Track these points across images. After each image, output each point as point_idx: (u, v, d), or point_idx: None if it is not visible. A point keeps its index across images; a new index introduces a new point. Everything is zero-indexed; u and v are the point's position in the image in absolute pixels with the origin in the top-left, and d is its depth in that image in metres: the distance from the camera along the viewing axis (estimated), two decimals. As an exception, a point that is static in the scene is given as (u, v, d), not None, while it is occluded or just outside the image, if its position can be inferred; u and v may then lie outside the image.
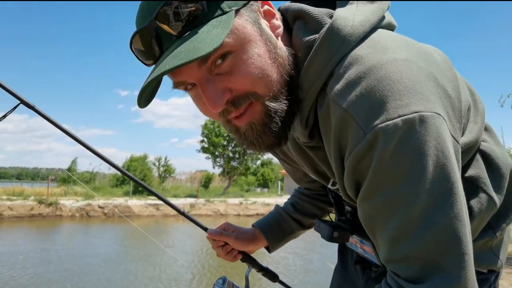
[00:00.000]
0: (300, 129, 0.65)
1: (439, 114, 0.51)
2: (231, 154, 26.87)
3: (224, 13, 0.53)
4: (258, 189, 31.99)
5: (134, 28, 0.58)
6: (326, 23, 0.60)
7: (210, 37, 0.50)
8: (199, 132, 27.33)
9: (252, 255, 1.09)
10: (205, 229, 1.06)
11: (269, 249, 1.07)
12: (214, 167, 27.82)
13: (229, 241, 1.01)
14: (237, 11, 0.55)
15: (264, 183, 35.90)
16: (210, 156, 26.93)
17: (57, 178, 23.68)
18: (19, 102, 1.00)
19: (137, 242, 10.23)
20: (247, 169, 29.10)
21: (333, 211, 0.97)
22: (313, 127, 0.64)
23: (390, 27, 0.64)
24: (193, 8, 0.52)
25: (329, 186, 0.80)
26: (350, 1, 0.62)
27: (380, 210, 0.53)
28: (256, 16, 0.57)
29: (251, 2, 0.57)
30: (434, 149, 0.50)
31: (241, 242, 1.01)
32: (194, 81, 0.56)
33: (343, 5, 0.62)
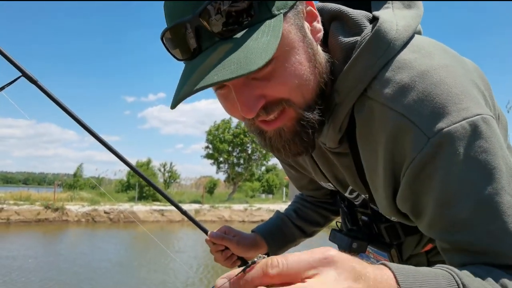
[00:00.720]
0: (331, 134, 0.62)
1: (493, 117, 0.52)
2: (235, 160, 26.90)
3: (272, 16, 0.50)
4: (263, 195, 31.91)
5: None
6: (365, 26, 0.59)
7: (260, 46, 0.47)
8: (204, 137, 27.42)
9: None
10: (206, 232, 1.03)
11: (268, 256, 1.06)
12: (217, 173, 27.89)
13: (231, 245, 0.97)
14: (284, 14, 0.51)
15: (269, 189, 35.82)
16: (214, 162, 26.99)
17: (63, 183, 23.85)
18: (21, 74, 0.92)
19: (144, 247, 10.27)
20: (252, 175, 29.09)
21: (339, 220, 0.95)
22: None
23: (419, 33, 0.63)
24: (241, 8, 0.48)
25: (346, 194, 0.77)
26: (385, 5, 0.61)
27: (463, 221, 0.50)
28: (301, 19, 0.55)
29: (298, 3, 0.54)
30: (500, 149, 0.50)
31: (242, 248, 0.97)
32: (229, 83, 0.52)
33: (377, 7, 0.61)
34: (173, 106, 0.49)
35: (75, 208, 15.66)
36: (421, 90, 0.51)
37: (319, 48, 0.59)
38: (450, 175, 0.49)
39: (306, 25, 0.56)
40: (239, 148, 26.55)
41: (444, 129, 0.49)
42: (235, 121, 27.58)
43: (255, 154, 27.00)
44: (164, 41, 0.54)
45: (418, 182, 0.52)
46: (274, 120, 0.55)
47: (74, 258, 8.58)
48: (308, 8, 0.57)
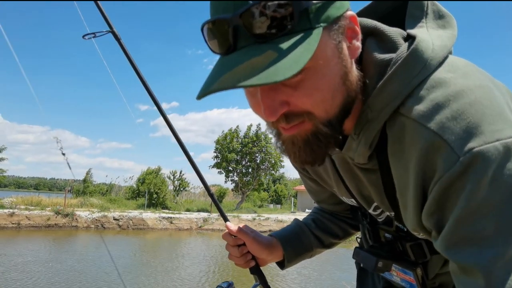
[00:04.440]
0: (361, 150, 0.62)
1: None
2: (244, 170, 26.91)
3: (312, 28, 0.50)
4: (271, 205, 31.82)
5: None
6: (401, 44, 0.59)
7: (292, 57, 0.47)
8: (214, 147, 27.52)
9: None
10: (226, 220, 1.01)
11: (282, 264, 1.00)
12: (226, 182, 27.92)
13: (248, 240, 0.94)
14: (324, 27, 0.52)
15: (277, 199, 35.69)
16: (223, 171, 27.04)
17: (73, 189, 24.10)
18: (109, 30, 1.09)
19: (155, 254, 10.30)
20: (260, 185, 29.05)
21: (358, 235, 0.95)
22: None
23: (451, 53, 0.63)
24: (281, 15, 0.49)
25: (370, 210, 0.77)
26: (419, 24, 0.62)
27: (473, 240, 0.50)
28: (340, 35, 0.55)
29: (341, 18, 0.54)
30: None
31: (257, 245, 0.94)
32: None
33: (411, 26, 0.62)
34: (199, 97, 0.50)
35: (85, 214, 15.80)
36: (454, 109, 0.51)
37: (354, 66, 0.59)
38: (475, 194, 0.49)
39: (345, 41, 0.56)
40: (248, 157, 26.58)
41: (475, 149, 0.48)
42: (243, 130, 27.71)
43: (264, 163, 27.00)
44: (203, 31, 0.54)
45: (444, 198, 0.52)
46: (291, 128, 0.56)
47: (87, 262, 8.64)
48: (350, 25, 0.56)
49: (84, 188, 23.48)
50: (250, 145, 26.20)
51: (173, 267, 8.62)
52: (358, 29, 0.58)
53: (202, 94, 0.50)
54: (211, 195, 1.10)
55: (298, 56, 0.48)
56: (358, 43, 0.58)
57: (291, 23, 0.49)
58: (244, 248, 0.96)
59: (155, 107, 1.09)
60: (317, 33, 0.50)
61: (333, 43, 0.53)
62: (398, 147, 0.57)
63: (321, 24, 0.51)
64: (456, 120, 0.50)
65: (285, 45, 0.48)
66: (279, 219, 18.10)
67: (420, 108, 0.53)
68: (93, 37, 1.11)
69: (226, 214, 1.08)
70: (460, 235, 0.51)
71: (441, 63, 0.57)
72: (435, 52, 0.56)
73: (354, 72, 0.58)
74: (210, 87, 0.49)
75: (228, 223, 0.98)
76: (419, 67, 0.55)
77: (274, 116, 0.53)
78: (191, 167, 1.08)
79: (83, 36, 1.10)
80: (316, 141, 0.57)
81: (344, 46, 0.56)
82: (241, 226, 0.97)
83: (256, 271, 0.98)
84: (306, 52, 0.48)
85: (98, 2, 1.07)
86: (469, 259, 0.50)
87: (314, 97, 0.53)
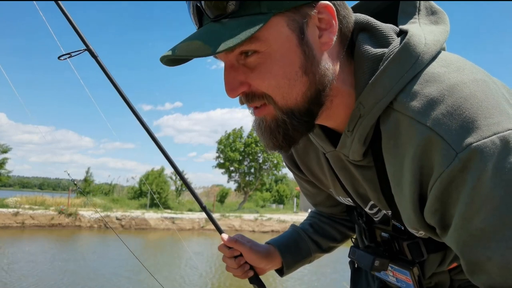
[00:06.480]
0: (355, 147, 0.62)
1: None
2: (246, 170, 26.92)
3: (260, 13, 0.51)
4: (274, 205, 31.78)
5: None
6: (393, 39, 0.59)
7: (229, 36, 0.50)
8: (216, 147, 27.56)
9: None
10: (221, 232, 1.00)
11: (281, 272, 1.00)
12: (229, 182, 27.95)
13: (244, 250, 0.93)
14: (278, 13, 0.52)
15: (280, 200, 35.67)
16: (225, 171, 27.07)
17: (77, 189, 24.14)
18: (85, 48, 1.06)
19: (157, 254, 10.35)
20: (263, 185, 29.05)
21: (355, 236, 0.94)
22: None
23: (443, 49, 0.63)
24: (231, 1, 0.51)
25: (367, 209, 0.77)
26: (412, 20, 0.61)
27: (483, 236, 0.50)
28: (303, 22, 0.54)
29: (305, 7, 0.54)
30: None
31: (255, 255, 0.94)
32: (223, 61, 0.57)
33: (404, 22, 0.62)
34: (160, 59, 0.56)
35: (88, 214, 15.86)
36: (450, 104, 0.50)
37: (325, 57, 0.57)
38: (477, 190, 0.48)
39: (313, 32, 0.56)
40: (250, 157, 26.59)
41: (473, 144, 0.47)
42: (246, 130, 27.74)
43: (266, 163, 27.00)
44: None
45: (446, 195, 0.52)
46: (258, 109, 0.59)
47: (97, 262, 8.69)
48: (323, 16, 0.55)
49: (85, 187, 23.52)
50: (253, 145, 26.21)
51: (180, 266, 8.64)
52: (334, 22, 0.56)
53: (161, 58, 0.55)
54: (203, 207, 1.09)
55: (233, 38, 0.50)
56: (331, 36, 0.56)
57: (236, 6, 0.51)
58: (241, 259, 0.95)
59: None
60: (261, 18, 0.51)
61: (289, 30, 0.53)
62: (392, 143, 0.57)
63: (272, 11, 0.52)
64: (452, 115, 0.50)
65: (228, 26, 0.51)
66: (281, 219, 18.08)
67: (415, 104, 0.53)
68: (69, 57, 1.08)
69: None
70: (469, 232, 0.51)
71: (433, 58, 0.56)
72: (427, 46, 0.56)
73: (325, 64, 0.57)
74: (165, 54, 0.54)
75: (223, 234, 0.97)
76: (411, 62, 0.55)
77: (233, 94, 0.56)
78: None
79: (59, 57, 1.08)
80: (277, 129, 0.58)
81: (310, 36, 0.55)
82: (236, 236, 0.96)
83: (255, 280, 0.97)
84: (244, 34, 0.50)
85: (72, 20, 1.05)
86: (482, 255, 0.50)
87: (268, 81, 0.55)
